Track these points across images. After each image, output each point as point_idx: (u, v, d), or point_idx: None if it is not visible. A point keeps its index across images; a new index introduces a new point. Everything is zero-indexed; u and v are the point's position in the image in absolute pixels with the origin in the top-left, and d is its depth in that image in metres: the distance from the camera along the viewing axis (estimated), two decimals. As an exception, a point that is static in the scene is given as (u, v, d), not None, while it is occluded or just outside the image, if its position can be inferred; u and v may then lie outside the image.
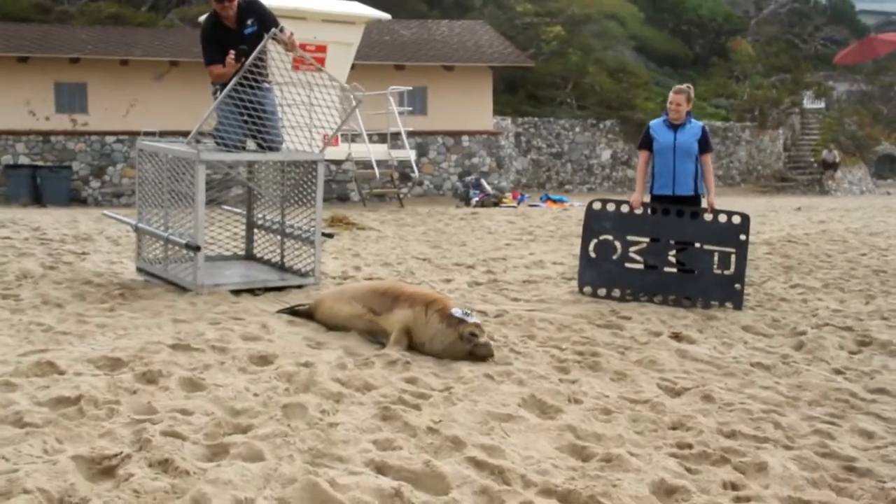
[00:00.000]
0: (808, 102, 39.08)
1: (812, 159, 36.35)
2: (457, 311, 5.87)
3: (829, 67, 44.44)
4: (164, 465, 3.70)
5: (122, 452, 3.79)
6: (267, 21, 7.74)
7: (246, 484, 3.57)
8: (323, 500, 3.48)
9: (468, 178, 24.59)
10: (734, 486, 4.02)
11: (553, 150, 31.47)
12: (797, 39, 47.86)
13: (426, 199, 24.58)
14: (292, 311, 6.84)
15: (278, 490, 3.55)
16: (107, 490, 3.48)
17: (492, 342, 5.99)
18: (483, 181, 24.12)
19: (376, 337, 6.15)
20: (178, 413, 4.37)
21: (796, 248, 12.54)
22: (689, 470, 4.18)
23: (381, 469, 3.86)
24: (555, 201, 23.35)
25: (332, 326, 6.42)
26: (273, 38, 7.52)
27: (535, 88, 33.61)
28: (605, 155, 31.82)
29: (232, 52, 7.50)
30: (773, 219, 18.46)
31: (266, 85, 7.81)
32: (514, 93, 32.75)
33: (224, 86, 7.59)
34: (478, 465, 3.98)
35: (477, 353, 5.75)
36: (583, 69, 33.93)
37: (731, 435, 4.68)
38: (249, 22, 7.79)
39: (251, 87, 7.53)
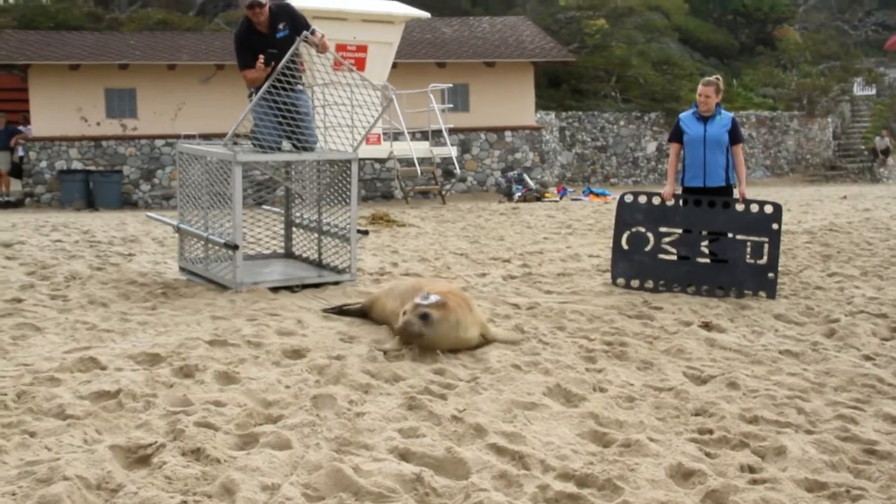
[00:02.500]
0: (859, 89, 38.42)
1: (863, 147, 35.78)
2: (421, 294, 5.86)
3: (881, 53, 43.70)
4: (197, 454, 3.88)
5: (156, 442, 3.98)
6: (298, 24, 7.93)
7: (273, 471, 3.74)
8: (346, 485, 3.63)
9: (510, 174, 24.65)
10: (751, 469, 4.10)
11: (598, 144, 31.37)
12: (847, 26, 47.13)
13: (469, 195, 24.69)
14: (341, 311, 6.94)
15: (304, 476, 3.71)
16: (141, 477, 3.67)
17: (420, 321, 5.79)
18: (525, 176, 24.16)
19: None
20: (211, 405, 4.56)
21: (837, 237, 12.44)
22: (707, 454, 4.27)
23: (404, 456, 4.00)
24: (597, 195, 23.32)
25: (383, 323, 6.51)
26: (305, 41, 7.70)
27: (579, 82, 33.53)
28: (651, 147, 31.63)
29: (261, 56, 7.70)
30: (818, 208, 18.27)
31: (300, 87, 8.00)
32: (558, 87, 32.71)
33: (259, 89, 7.80)
34: (498, 451, 4.11)
35: (405, 331, 5.70)
36: (626, 62, 33.76)
37: (753, 420, 4.75)
38: (281, 26, 7.98)
39: (284, 89, 7.72)
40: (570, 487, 3.75)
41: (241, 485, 3.54)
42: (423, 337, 5.70)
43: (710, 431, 4.57)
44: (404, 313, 5.76)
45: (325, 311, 6.99)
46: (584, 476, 3.87)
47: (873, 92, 38.70)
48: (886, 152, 34.44)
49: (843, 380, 5.55)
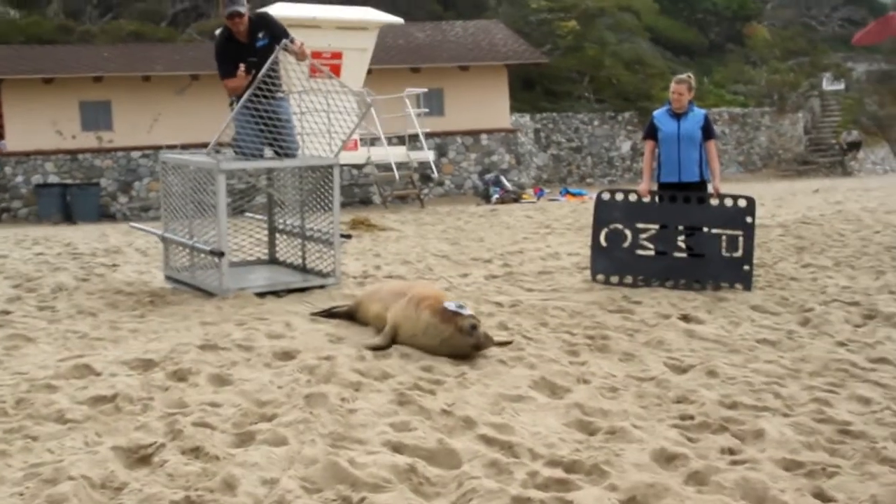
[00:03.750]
0: (828, 84, 38.89)
1: (833, 141, 36.24)
2: (450, 305, 5.85)
3: (848, 48, 44.21)
4: (196, 452, 4.01)
5: (156, 442, 4.10)
6: (277, 33, 8.05)
7: (271, 465, 3.86)
8: (342, 477, 3.76)
9: (488, 176, 24.82)
10: (731, 452, 4.26)
11: (573, 145, 31.63)
12: (814, 22, 47.67)
13: (447, 198, 24.85)
14: (329, 314, 7.05)
15: (301, 470, 3.84)
16: (144, 475, 3.79)
17: (500, 331, 6.13)
18: (503, 178, 24.34)
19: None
20: (207, 406, 4.68)
21: (810, 229, 12.68)
22: (689, 439, 4.44)
23: (397, 448, 4.14)
24: (574, 195, 23.54)
25: (367, 325, 6.60)
26: (284, 49, 7.83)
27: (553, 84, 33.78)
28: (625, 147, 31.92)
29: (242, 65, 7.82)
30: (791, 202, 18.56)
31: (280, 94, 8.13)
32: (532, 89, 32.94)
33: (240, 98, 7.92)
34: (488, 441, 4.26)
35: (480, 345, 5.74)
36: (599, 63, 34.04)
37: (732, 406, 4.92)
38: (261, 35, 8.11)
39: (265, 97, 7.85)
40: (559, 473, 3.89)
41: (241, 479, 3.67)
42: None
43: (692, 417, 4.73)
44: (463, 329, 5.70)
45: (314, 314, 7.11)
46: (572, 462, 4.02)
47: (842, 87, 39.17)
48: (857, 146, 34.91)
49: (817, 365, 5.74)
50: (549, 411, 4.80)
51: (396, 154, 20.56)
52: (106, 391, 4.85)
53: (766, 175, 33.03)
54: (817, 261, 10.00)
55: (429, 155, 21.03)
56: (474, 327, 5.72)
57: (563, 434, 4.45)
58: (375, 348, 5.92)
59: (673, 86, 8.75)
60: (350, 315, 6.88)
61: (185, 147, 8.98)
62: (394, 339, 6.03)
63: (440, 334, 5.78)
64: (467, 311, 5.82)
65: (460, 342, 5.73)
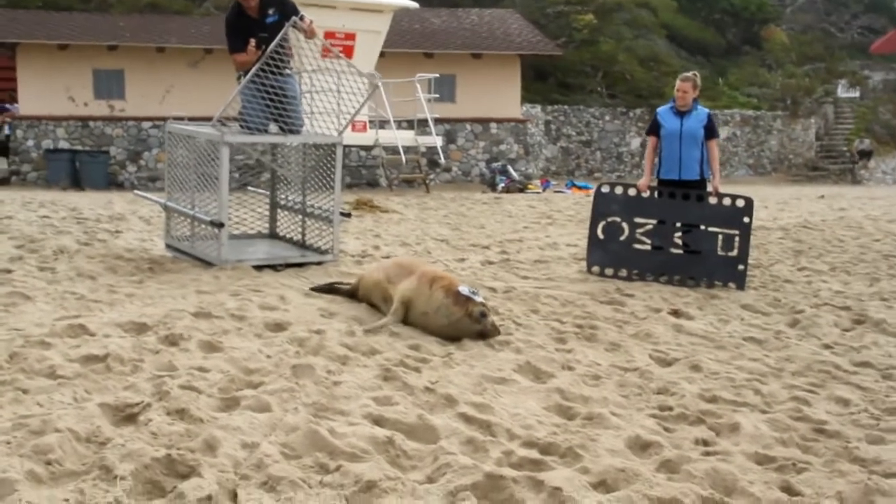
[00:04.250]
0: (843, 91, 38.82)
1: (845, 148, 36.19)
2: (464, 289, 5.95)
3: (866, 56, 44.10)
4: (181, 414, 4.10)
5: (143, 402, 4.19)
6: (288, 10, 8.12)
7: (253, 430, 3.96)
8: (321, 445, 3.85)
9: (495, 165, 24.89)
10: (705, 443, 4.34)
11: (583, 138, 31.67)
12: (833, 28, 47.52)
13: (454, 185, 24.92)
14: (330, 289, 7.08)
15: (282, 437, 3.93)
16: (128, 432, 3.88)
17: (495, 317, 6.20)
18: (509, 168, 24.40)
19: (386, 304, 6.31)
20: (195, 370, 4.78)
21: (810, 234, 12.74)
22: (665, 429, 4.52)
23: (377, 421, 4.23)
24: (579, 188, 23.60)
25: (366, 300, 6.65)
26: (293, 27, 7.89)
27: (566, 76, 33.81)
28: (635, 143, 31.94)
29: (252, 40, 7.90)
30: (795, 206, 18.59)
31: (287, 71, 8.20)
32: (545, 81, 32.97)
33: (247, 73, 7.99)
34: (467, 419, 4.35)
35: (487, 333, 5.85)
36: (613, 58, 34.05)
37: (712, 400, 5.00)
38: (271, 11, 8.18)
39: (272, 73, 7.92)
40: (534, 454, 3.97)
41: (222, 441, 3.76)
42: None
43: (670, 408, 4.81)
44: (473, 315, 5.83)
45: (314, 288, 7.16)
46: (548, 444, 4.10)
47: (857, 94, 39.09)
48: (868, 155, 34.85)
49: (801, 366, 5.81)
50: (530, 394, 4.88)
51: (404, 138, 20.62)
52: (98, 351, 4.94)
53: (775, 179, 33.02)
54: (813, 265, 10.06)
55: (437, 140, 21.10)
56: (484, 315, 5.84)
57: (542, 417, 4.53)
58: (379, 328, 5.93)
59: (678, 83, 8.80)
60: (351, 294, 6.90)
61: (195, 120, 9.00)
62: (404, 317, 6.07)
63: (450, 316, 5.87)
64: (479, 298, 5.93)
65: (468, 327, 5.86)
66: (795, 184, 31.69)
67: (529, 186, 23.20)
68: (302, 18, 7.98)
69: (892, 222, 14.77)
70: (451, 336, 5.88)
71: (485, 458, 3.87)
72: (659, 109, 9.06)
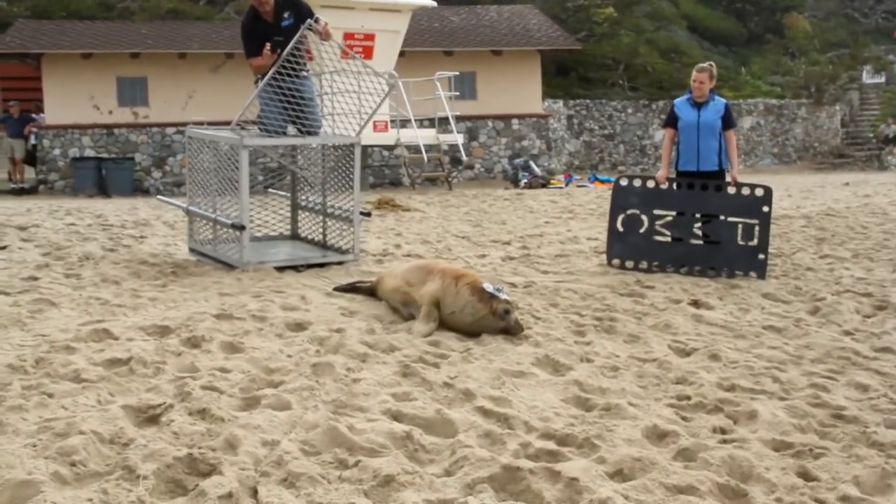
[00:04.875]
0: (868, 77, 38.45)
1: (871, 135, 35.84)
2: (488, 287, 5.98)
3: (891, 41, 43.65)
4: (202, 414, 4.18)
5: (165, 403, 4.27)
6: (303, 13, 8.20)
7: (273, 428, 4.02)
8: (340, 441, 3.91)
9: (517, 161, 24.90)
10: (723, 431, 4.37)
11: (605, 132, 31.58)
12: (857, 13, 47.06)
13: (477, 182, 24.96)
14: (352, 288, 7.14)
15: (302, 434, 3.99)
16: (151, 433, 3.96)
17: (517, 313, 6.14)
18: (532, 163, 24.40)
19: (408, 308, 6.33)
20: (217, 371, 4.86)
21: (834, 221, 12.67)
22: (683, 418, 4.54)
23: (396, 417, 4.28)
24: (602, 181, 23.56)
25: (386, 300, 6.68)
26: (308, 29, 7.97)
27: (587, 71, 33.75)
28: (658, 136, 31.75)
29: (268, 44, 7.99)
30: (819, 194, 18.47)
31: (304, 73, 8.28)
32: (566, 75, 32.92)
33: (265, 76, 8.08)
34: (485, 413, 4.39)
35: (511, 330, 5.89)
36: (634, 50, 33.95)
37: (730, 388, 5.01)
38: (286, 15, 8.26)
39: (289, 75, 8.01)
40: (551, 445, 4.01)
41: (243, 440, 3.83)
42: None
43: (688, 398, 4.83)
44: (497, 312, 5.87)
45: (337, 288, 7.19)
46: (565, 436, 4.14)
47: (882, 80, 38.70)
48: (895, 140, 34.51)
49: (820, 353, 5.81)
50: (548, 387, 4.91)
51: (426, 136, 20.68)
52: (122, 354, 5.04)
53: (800, 168, 32.77)
54: (836, 252, 10.01)
55: (458, 138, 21.14)
56: (507, 311, 5.88)
57: (560, 409, 4.57)
58: (427, 335, 5.90)
59: (694, 74, 8.80)
60: (372, 292, 6.97)
61: (215, 125, 9.10)
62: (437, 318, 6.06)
63: (475, 313, 5.92)
64: (503, 296, 5.97)
65: (492, 324, 5.91)
66: (821, 172, 31.45)
67: (552, 181, 23.19)
68: (317, 21, 8.05)
69: (917, 208, 14.65)
70: (475, 332, 5.93)
71: (502, 451, 3.91)
72: (676, 101, 9.06)
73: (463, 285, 6.04)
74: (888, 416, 4.59)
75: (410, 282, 6.40)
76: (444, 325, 6.06)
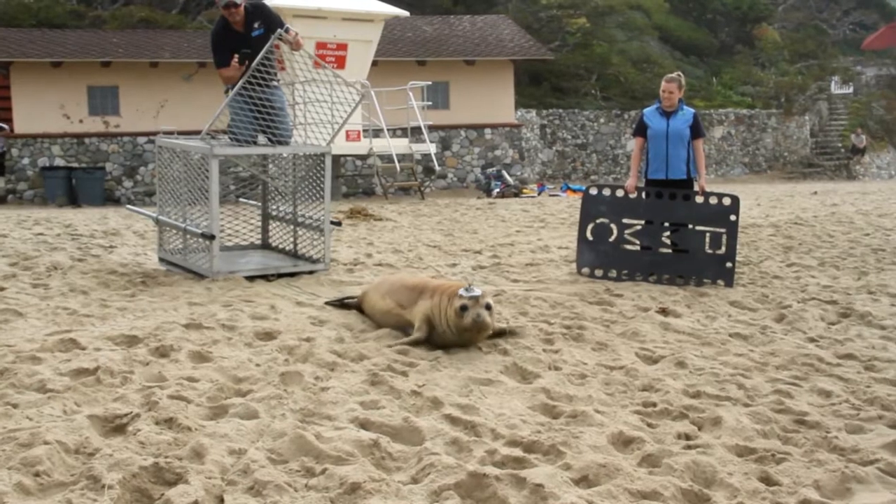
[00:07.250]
0: (836, 88, 38.97)
1: (840, 144, 36.30)
2: (462, 290, 5.77)
3: (858, 52, 44.27)
4: (169, 423, 4.17)
5: (132, 412, 4.26)
6: (273, 23, 8.22)
7: (240, 437, 4.03)
8: (308, 450, 3.92)
9: (489, 170, 24.99)
10: (687, 437, 4.41)
11: (578, 142, 31.75)
12: (825, 25, 47.69)
13: (450, 191, 25.02)
14: (342, 304, 6.98)
15: (269, 442, 4.00)
16: (117, 443, 3.95)
17: (486, 312, 5.78)
18: (504, 173, 24.50)
19: (405, 331, 6.10)
20: (185, 380, 4.85)
21: (801, 230, 12.80)
22: (648, 424, 4.58)
23: (364, 425, 4.30)
24: (574, 191, 23.67)
25: (373, 319, 6.47)
26: (279, 39, 7.98)
27: (560, 80, 33.94)
28: (631, 145, 31.95)
29: (236, 55, 7.99)
30: (788, 203, 18.66)
31: (274, 83, 8.29)
32: (539, 85, 33.09)
33: (235, 86, 8.08)
34: (453, 420, 4.41)
35: (464, 324, 5.62)
36: (607, 60, 34.22)
37: (696, 395, 5.07)
38: (256, 25, 8.27)
39: (259, 85, 8.01)
40: (517, 452, 4.03)
41: (209, 449, 3.83)
42: (489, 328, 5.79)
43: (654, 405, 4.88)
44: (457, 312, 5.66)
45: (328, 302, 7.06)
46: (531, 443, 4.17)
47: (850, 91, 39.22)
48: (862, 150, 34.98)
49: (785, 359, 5.87)
50: (515, 395, 4.94)
51: (399, 146, 20.71)
52: (89, 364, 5.01)
53: (770, 177, 33.10)
54: (803, 260, 10.13)
55: (431, 147, 21.18)
56: (464, 308, 5.63)
57: (527, 416, 4.59)
58: (414, 343, 5.82)
59: (663, 84, 8.88)
60: (359, 307, 6.77)
61: (184, 133, 9.08)
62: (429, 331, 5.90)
63: (450, 318, 5.74)
64: (471, 293, 5.71)
65: (459, 324, 5.69)
66: (790, 181, 31.79)
67: (524, 191, 23.29)
68: (287, 31, 8.07)
69: (882, 216, 14.84)
70: (464, 342, 5.77)
71: (468, 458, 3.93)
72: (645, 110, 9.15)
73: (445, 297, 5.86)
74: (849, 421, 4.65)
75: (402, 303, 6.19)
76: (442, 342, 5.88)
